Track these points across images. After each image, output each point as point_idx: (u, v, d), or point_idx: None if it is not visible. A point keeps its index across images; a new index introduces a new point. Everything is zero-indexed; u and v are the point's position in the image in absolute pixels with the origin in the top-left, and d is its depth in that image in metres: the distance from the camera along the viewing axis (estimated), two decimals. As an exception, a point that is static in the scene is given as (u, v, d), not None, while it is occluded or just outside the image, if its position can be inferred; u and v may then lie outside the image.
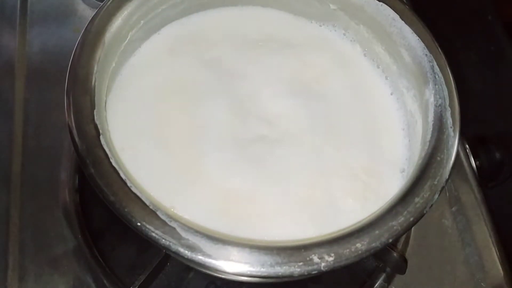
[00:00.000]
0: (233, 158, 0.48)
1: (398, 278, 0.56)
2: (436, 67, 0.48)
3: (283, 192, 0.46)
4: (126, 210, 0.38)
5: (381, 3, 0.52)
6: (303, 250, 0.38)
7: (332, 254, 0.38)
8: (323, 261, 0.38)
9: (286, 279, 0.39)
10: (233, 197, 0.46)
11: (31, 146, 0.58)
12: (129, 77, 0.51)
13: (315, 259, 0.38)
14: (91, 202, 0.55)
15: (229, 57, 0.54)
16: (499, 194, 0.66)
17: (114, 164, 0.40)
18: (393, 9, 0.51)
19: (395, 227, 0.40)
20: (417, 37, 0.50)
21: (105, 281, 0.52)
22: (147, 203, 0.38)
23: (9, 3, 0.66)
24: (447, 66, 0.49)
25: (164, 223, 0.38)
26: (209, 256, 0.37)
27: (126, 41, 0.50)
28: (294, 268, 0.37)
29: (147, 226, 0.38)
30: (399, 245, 0.57)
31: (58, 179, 0.57)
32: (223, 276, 0.50)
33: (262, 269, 0.37)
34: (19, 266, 0.52)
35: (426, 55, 0.49)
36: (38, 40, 0.65)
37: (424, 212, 0.41)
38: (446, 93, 0.47)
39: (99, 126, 0.41)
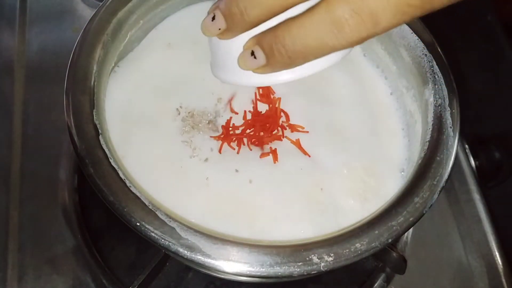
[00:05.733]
0: (232, 159, 0.48)
1: (397, 278, 0.56)
2: (435, 67, 0.48)
3: (283, 192, 0.46)
4: (125, 210, 0.38)
5: (381, 3, 0.51)
6: (302, 250, 0.38)
7: (332, 254, 0.38)
8: (323, 261, 0.38)
9: (285, 279, 0.39)
10: (232, 198, 0.46)
11: (30, 146, 0.58)
12: (128, 74, 0.51)
13: (315, 259, 0.37)
14: (91, 202, 0.55)
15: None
16: (498, 194, 0.66)
17: (113, 164, 0.40)
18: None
19: (394, 227, 0.40)
20: (417, 37, 0.50)
21: (104, 281, 0.52)
22: (147, 203, 0.38)
23: (8, 3, 0.66)
24: (447, 66, 0.49)
25: (163, 223, 0.38)
26: (208, 256, 0.37)
27: (125, 41, 0.50)
28: (293, 268, 0.37)
29: (147, 226, 0.38)
30: (399, 245, 0.57)
31: (57, 179, 0.57)
32: (222, 276, 0.50)
33: (261, 269, 0.37)
34: (18, 266, 0.52)
35: (426, 55, 0.49)
36: (37, 39, 0.64)
37: (424, 212, 0.41)
38: (445, 93, 0.47)
39: (98, 126, 0.41)
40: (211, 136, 0.48)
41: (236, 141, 0.48)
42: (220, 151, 0.48)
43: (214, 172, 0.46)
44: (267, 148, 0.49)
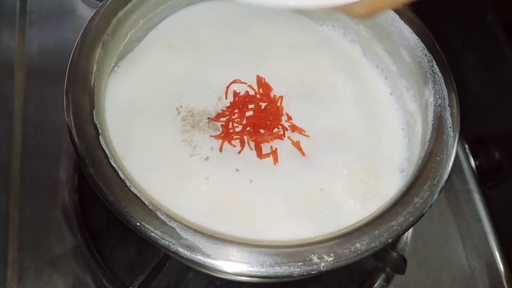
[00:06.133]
0: (233, 158, 0.48)
1: (397, 278, 0.56)
2: (435, 67, 0.48)
3: (283, 192, 0.46)
4: (125, 210, 0.38)
5: (380, 3, 0.51)
6: (302, 250, 0.38)
7: (332, 254, 0.38)
8: (323, 261, 0.38)
9: (285, 279, 0.39)
10: (233, 197, 0.46)
11: (30, 146, 0.58)
12: (128, 74, 0.51)
13: (315, 259, 0.38)
14: (91, 202, 0.55)
15: (230, 55, 0.54)
16: (498, 194, 0.66)
17: (113, 164, 0.40)
18: (392, 9, 0.51)
19: (394, 227, 0.40)
20: (417, 37, 0.50)
21: (104, 281, 0.52)
22: (147, 203, 0.38)
23: (9, 3, 0.66)
24: (447, 66, 0.49)
25: (163, 223, 0.38)
26: (208, 256, 0.37)
27: (125, 41, 0.50)
28: (293, 268, 0.37)
29: (147, 226, 0.38)
30: (399, 245, 0.57)
31: (57, 179, 0.57)
32: (222, 276, 0.50)
33: (261, 269, 0.37)
34: (18, 266, 0.52)
35: (426, 55, 0.49)
36: (37, 39, 0.64)
37: (424, 212, 0.41)
38: (445, 93, 0.47)
39: (98, 126, 0.41)
40: (211, 136, 0.48)
41: (236, 139, 0.48)
42: (221, 150, 0.48)
43: (214, 171, 0.46)
44: (267, 148, 0.48)
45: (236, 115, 0.50)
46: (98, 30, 0.46)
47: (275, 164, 0.48)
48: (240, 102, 0.50)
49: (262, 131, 0.49)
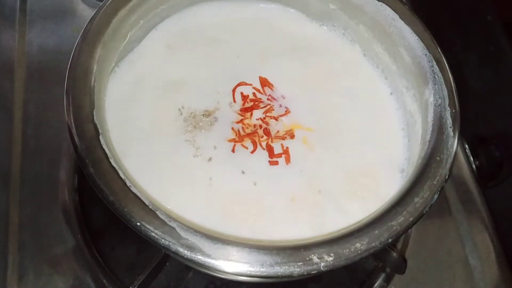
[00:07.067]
0: (233, 160, 0.48)
1: (397, 278, 0.56)
2: (435, 67, 0.48)
3: (283, 193, 0.46)
4: (125, 209, 0.38)
5: (380, 3, 0.52)
6: (302, 250, 0.38)
7: (332, 254, 0.38)
8: (323, 261, 0.38)
9: (285, 279, 0.39)
10: (232, 198, 0.46)
11: (30, 146, 0.58)
12: (128, 74, 0.51)
13: (315, 259, 0.38)
14: (91, 201, 0.55)
15: (230, 55, 0.54)
16: (498, 194, 0.66)
17: (113, 163, 0.40)
18: (392, 9, 0.51)
19: (394, 227, 0.40)
20: (417, 37, 0.50)
21: (104, 281, 0.52)
22: (147, 203, 0.38)
23: (9, 3, 0.66)
24: (447, 66, 0.49)
25: (163, 223, 0.38)
26: (208, 256, 0.37)
27: (125, 41, 0.50)
28: (293, 268, 0.37)
29: (147, 226, 0.38)
30: (399, 245, 0.57)
31: (57, 179, 0.57)
32: (222, 276, 0.50)
33: (261, 269, 0.37)
34: (18, 266, 0.52)
35: (426, 55, 0.49)
36: (37, 39, 0.65)
37: (424, 212, 0.41)
38: (445, 93, 0.47)
39: (98, 126, 0.41)
40: (228, 140, 0.48)
41: (247, 141, 0.49)
42: (233, 150, 0.48)
43: (217, 172, 0.47)
44: (278, 148, 0.49)
45: (243, 117, 0.50)
46: (98, 30, 0.46)
47: (287, 164, 0.48)
48: (246, 103, 0.50)
49: (269, 130, 0.49)
